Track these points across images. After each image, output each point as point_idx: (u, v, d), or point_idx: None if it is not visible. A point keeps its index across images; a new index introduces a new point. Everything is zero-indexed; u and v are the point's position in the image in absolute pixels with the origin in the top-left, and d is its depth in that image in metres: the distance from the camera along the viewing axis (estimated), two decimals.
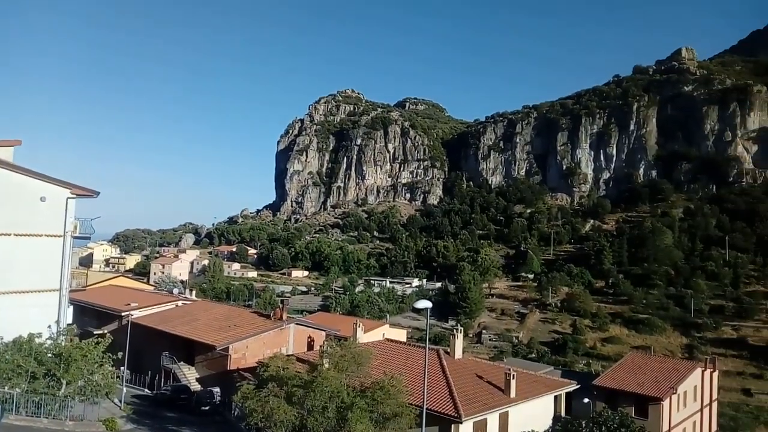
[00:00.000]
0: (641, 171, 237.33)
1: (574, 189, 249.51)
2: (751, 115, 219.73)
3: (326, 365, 28.09)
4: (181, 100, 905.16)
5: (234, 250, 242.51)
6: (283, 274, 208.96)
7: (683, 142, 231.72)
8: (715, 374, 61.05)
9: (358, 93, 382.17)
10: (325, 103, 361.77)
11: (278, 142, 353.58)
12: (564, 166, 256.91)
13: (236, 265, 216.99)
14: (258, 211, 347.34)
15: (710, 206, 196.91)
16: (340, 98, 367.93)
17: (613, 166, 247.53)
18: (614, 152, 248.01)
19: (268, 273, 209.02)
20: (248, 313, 57.30)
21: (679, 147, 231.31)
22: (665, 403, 48.47)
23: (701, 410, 56.20)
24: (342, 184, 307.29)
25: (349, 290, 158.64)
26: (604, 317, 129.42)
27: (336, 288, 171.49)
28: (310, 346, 49.09)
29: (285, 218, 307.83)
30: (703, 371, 56.85)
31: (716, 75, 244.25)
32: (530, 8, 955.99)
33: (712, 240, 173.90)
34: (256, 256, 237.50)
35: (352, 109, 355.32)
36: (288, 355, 36.79)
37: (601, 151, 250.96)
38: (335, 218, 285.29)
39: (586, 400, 49.61)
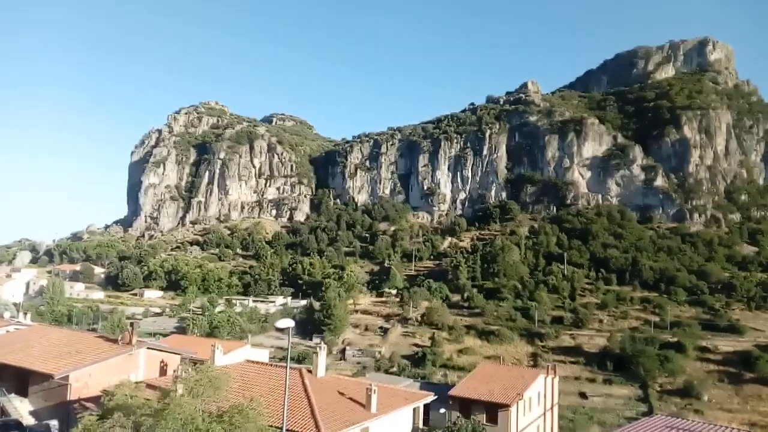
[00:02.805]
0: (493, 192, 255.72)
1: (434, 208, 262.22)
2: (586, 144, 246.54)
3: (180, 391, 26.51)
4: (18, 98, 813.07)
5: (78, 269, 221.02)
6: (135, 294, 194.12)
7: (528, 167, 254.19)
8: (556, 380, 66.27)
9: (223, 105, 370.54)
10: (186, 114, 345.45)
11: (132, 153, 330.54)
12: (425, 186, 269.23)
13: (80, 286, 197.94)
14: (107, 226, 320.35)
15: (551, 226, 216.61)
16: (203, 110, 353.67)
17: (468, 188, 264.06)
18: (470, 174, 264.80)
19: (117, 294, 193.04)
20: (93, 337, 52.31)
21: (525, 171, 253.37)
22: (513, 409, 51.68)
23: (544, 414, 60.80)
24: (203, 199, 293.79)
25: (208, 310, 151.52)
26: (460, 329, 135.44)
27: (194, 308, 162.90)
28: (163, 372, 46.03)
29: (138, 234, 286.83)
30: (545, 377, 61.60)
31: (557, 107, 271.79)
32: (391, 36, 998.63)
33: (552, 256, 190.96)
34: (103, 275, 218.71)
35: (215, 121, 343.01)
36: (137, 382, 34.21)
37: (458, 173, 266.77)
38: (195, 235, 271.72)
39: (442, 410, 51.69)
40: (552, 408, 63.91)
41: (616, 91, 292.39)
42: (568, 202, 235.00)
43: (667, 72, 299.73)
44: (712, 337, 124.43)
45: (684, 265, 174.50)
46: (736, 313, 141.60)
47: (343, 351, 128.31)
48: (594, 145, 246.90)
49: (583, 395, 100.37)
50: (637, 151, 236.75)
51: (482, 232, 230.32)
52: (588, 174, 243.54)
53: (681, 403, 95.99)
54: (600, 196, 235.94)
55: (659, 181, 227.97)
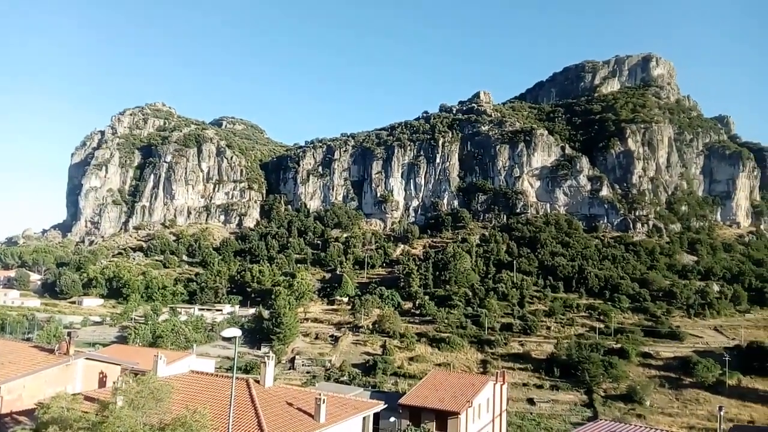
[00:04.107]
0: (445, 200, 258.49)
1: (387, 215, 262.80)
2: (535, 155, 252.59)
3: (119, 403, 25.23)
4: None
5: (13, 275, 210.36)
6: (73, 302, 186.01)
7: (480, 176, 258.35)
8: (505, 386, 66.87)
9: (170, 107, 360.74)
10: (131, 115, 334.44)
11: (73, 155, 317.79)
12: (378, 193, 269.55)
13: (15, 293, 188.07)
14: (44, 231, 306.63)
15: (501, 234, 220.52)
16: (149, 111, 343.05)
17: (421, 195, 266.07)
18: (423, 182, 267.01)
19: (55, 302, 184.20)
20: (27, 347, 49.35)
21: (476, 180, 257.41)
22: (462, 417, 51.72)
23: (493, 420, 61.16)
24: (147, 204, 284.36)
25: (151, 319, 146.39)
26: (411, 337, 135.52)
27: (136, 317, 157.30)
28: (103, 383, 43.85)
29: (77, 240, 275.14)
30: (494, 384, 61.98)
31: (508, 118, 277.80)
32: (345, 43, 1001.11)
33: (502, 264, 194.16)
34: (40, 282, 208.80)
35: (162, 123, 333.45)
36: (74, 394, 32.40)
37: (411, 180, 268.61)
38: (138, 240, 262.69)
39: (392, 419, 51.19)
40: (501, 414, 64.40)
41: (565, 104, 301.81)
42: (518, 210, 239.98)
43: (613, 86, 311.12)
44: (654, 343, 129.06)
45: (627, 273, 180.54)
46: (676, 320, 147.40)
47: (292, 360, 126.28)
48: (543, 155, 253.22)
49: (531, 401, 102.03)
50: (584, 162, 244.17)
51: (434, 240, 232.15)
52: (537, 183, 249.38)
53: (624, 408, 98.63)
54: (548, 205, 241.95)
55: (605, 192, 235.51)
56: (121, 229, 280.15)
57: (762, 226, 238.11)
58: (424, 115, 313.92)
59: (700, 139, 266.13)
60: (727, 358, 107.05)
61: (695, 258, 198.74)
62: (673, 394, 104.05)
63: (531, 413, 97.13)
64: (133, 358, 53.22)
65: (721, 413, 49.13)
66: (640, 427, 39.48)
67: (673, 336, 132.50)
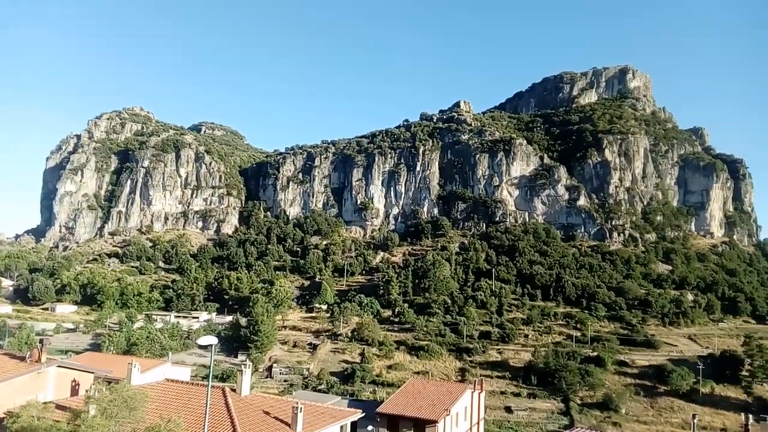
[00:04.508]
0: (425, 208, 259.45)
1: (367, 223, 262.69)
2: (514, 164, 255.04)
3: (92, 412, 24.80)
4: None
5: None
6: (46, 309, 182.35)
7: (460, 185, 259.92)
8: (483, 394, 66.98)
9: (148, 112, 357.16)
10: (108, 119, 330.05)
11: (48, 159, 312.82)
12: (358, 201, 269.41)
13: None
14: (17, 236, 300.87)
15: (480, 242, 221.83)
16: (126, 116, 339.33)
17: (401, 203, 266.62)
18: (403, 190, 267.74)
19: (27, 308, 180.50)
20: None
21: (456, 188, 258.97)
22: (440, 425, 51.67)
23: (471, 428, 61.15)
24: (124, 209, 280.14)
25: (126, 326, 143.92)
26: (390, 345, 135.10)
27: (110, 324, 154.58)
28: (75, 391, 42.96)
29: (51, 245, 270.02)
30: (472, 392, 62.05)
31: (487, 127, 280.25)
32: (326, 51, 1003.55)
33: (481, 272, 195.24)
34: (12, 288, 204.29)
35: (140, 128, 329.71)
36: (45, 403, 31.75)
37: (392, 188, 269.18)
38: (114, 246, 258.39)
39: (370, 427, 50.87)
40: (478, 422, 64.40)
41: (543, 114, 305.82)
42: (497, 219, 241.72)
43: (591, 97, 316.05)
44: (629, 351, 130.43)
45: (604, 281, 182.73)
46: (651, 328, 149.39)
47: (269, 368, 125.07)
48: (522, 164, 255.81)
49: (508, 409, 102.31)
50: (562, 172, 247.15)
51: (414, 248, 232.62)
52: (516, 192, 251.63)
53: (600, 415, 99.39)
54: (527, 214, 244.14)
55: (582, 201, 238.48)
56: (96, 234, 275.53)
57: (735, 237, 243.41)
58: (405, 123, 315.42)
59: (675, 150, 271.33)
60: (700, 367, 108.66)
61: (670, 267, 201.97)
62: (648, 402, 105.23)
63: (508, 421, 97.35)
64: (106, 366, 52.30)
65: (695, 421, 49.91)
66: None
67: (648, 344, 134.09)
